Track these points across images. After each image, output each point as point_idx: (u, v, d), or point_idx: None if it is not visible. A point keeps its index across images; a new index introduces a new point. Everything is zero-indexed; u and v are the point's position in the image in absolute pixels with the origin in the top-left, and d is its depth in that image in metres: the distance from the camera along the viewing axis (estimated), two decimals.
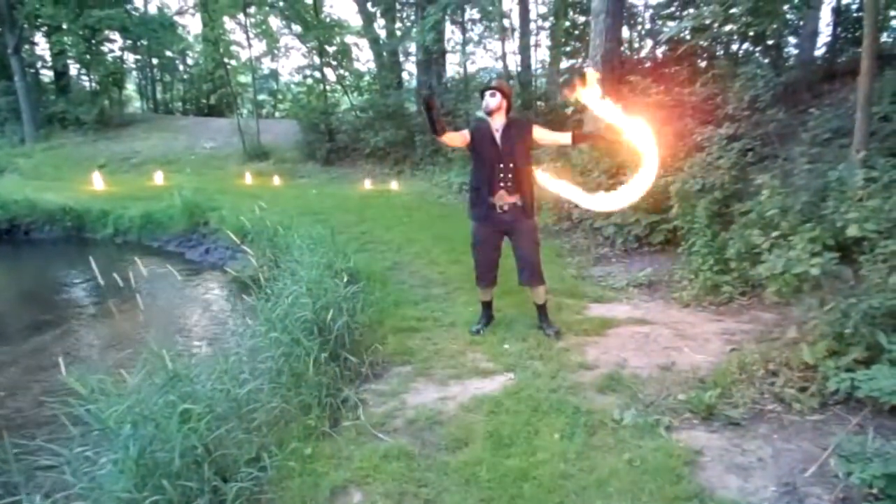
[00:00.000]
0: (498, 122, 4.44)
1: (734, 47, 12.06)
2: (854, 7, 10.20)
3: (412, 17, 19.23)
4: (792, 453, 2.99)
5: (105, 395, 2.83)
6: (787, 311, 4.67)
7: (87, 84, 26.00)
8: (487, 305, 4.97)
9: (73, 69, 25.92)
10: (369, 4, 19.37)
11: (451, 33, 18.92)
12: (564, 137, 4.54)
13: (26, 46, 22.93)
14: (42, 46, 25.00)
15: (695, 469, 2.90)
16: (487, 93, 4.44)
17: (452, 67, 19.65)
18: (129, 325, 5.37)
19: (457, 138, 4.48)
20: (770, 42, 11.28)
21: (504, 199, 4.46)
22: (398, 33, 19.39)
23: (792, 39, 11.55)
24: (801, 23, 10.45)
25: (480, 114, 4.55)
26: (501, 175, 4.43)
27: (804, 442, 3.07)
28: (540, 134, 4.50)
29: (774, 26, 9.06)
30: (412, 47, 18.26)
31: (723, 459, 2.98)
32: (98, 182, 14.64)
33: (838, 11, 10.33)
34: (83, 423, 2.81)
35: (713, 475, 2.86)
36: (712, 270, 5.48)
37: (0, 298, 8.50)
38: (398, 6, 19.73)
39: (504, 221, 4.52)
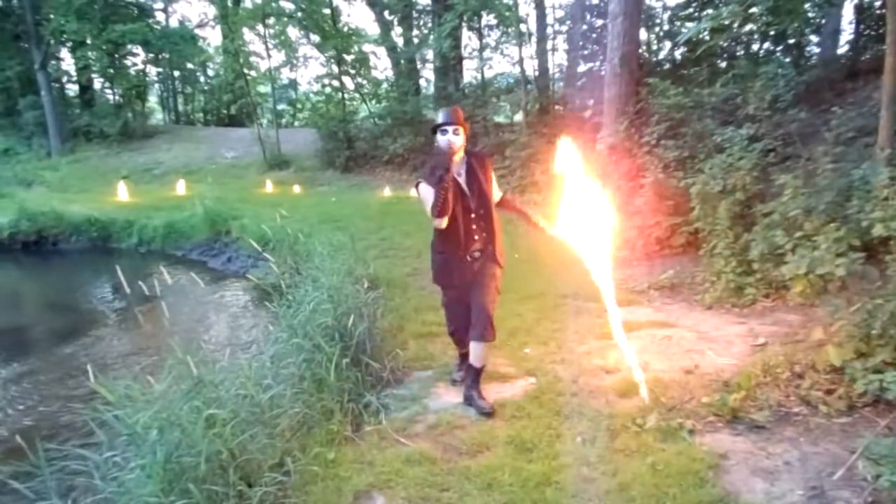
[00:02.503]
0: (459, 161, 3.65)
1: (754, 47, 11.95)
2: (877, 4, 10.05)
3: (429, 25, 19.33)
4: (819, 457, 2.95)
5: (132, 401, 2.88)
6: (812, 312, 4.61)
7: (110, 97, 26.54)
8: (465, 355, 3.98)
9: (98, 83, 26.53)
10: (386, 13, 19.53)
11: (468, 39, 18.96)
12: (497, 194, 3.86)
13: (52, 62, 23.42)
14: (67, 61, 25.64)
15: (719, 473, 2.87)
16: (450, 129, 3.56)
17: (470, 73, 19.71)
18: (155, 332, 5.45)
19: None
20: (791, 41, 11.16)
21: (476, 247, 3.72)
22: (415, 41, 19.52)
23: (814, 38, 11.43)
24: (823, 21, 10.34)
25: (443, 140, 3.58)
26: (474, 226, 3.69)
27: (831, 445, 3.03)
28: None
29: (795, 25, 8.96)
30: (429, 54, 18.36)
31: (748, 463, 2.95)
32: (122, 193, 14.90)
33: (861, 8, 10.20)
34: (111, 429, 2.86)
35: (738, 479, 2.83)
36: (735, 272, 5.42)
37: (29, 308, 8.70)
38: (415, 14, 19.85)
39: (473, 270, 3.73)
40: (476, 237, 3.69)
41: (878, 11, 9.96)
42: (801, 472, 2.84)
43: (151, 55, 25.81)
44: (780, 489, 2.74)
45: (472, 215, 3.67)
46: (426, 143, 16.25)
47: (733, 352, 4.31)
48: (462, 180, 3.66)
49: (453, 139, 3.56)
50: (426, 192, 3.58)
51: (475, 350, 3.72)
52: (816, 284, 4.38)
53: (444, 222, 3.55)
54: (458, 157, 3.62)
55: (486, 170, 3.75)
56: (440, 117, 3.63)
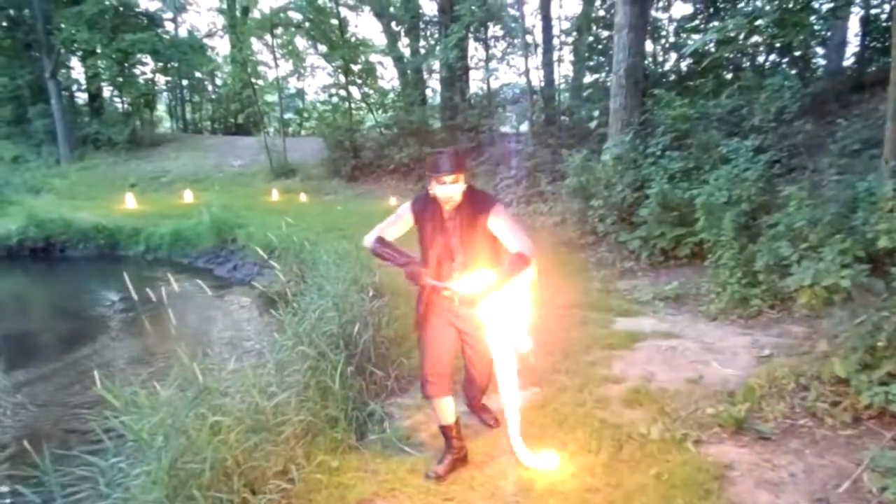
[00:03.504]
0: (451, 203, 2.95)
1: (760, 59, 11.99)
2: (883, 17, 10.07)
3: (436, 35, 19.44)
4: (825, 469, 2.94)
5: (138, 407, 2.89)
6: (818, 323, 4.60)
7: (119, 106, 26.79)
8: (449, 432, 3.20)
9: (107, 91, 26.76)
10: (393, 23, 19.64)
11: (475, 50, 19.05)
12: (513, 246, 2.90)
13: (62, 70, 23.65)
14: (77, 70, 25.88)
15: (724, 484, 2.86)
16: (448, 179, 2.85)
17: (476, 84, 19.79)
18: (161, 339, 5.47)
19: (397, 229, 3.10)
20: (797, 53, 11.20)
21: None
22: (422, 51, 19.62)
23: (819, 50, 11.48)
24: (829, 33, 10.36)
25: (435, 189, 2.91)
26: (455, 275, 3.00)
27: (837, 457, 3.02)
28: (496, 224, 2.93)
29: (801, 37, 8.99)
30: (436, 64, 18.43)
31: (753, 474, 2.94)
32: (130, 201, 15.00)
33: (867, 21, 10.23)
34: (117, 435, 2.87)
35: (743, 490, 2.82)
36: (740, 283, 5.42)
37: (37, 314, 8.75)
38: (422, 24, 19.96)
39: (458, 315, 3.08)
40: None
41: (883, 24, 9.99)
42: (807, 485, 2.83)
43: (160, 64, 26.03)
44: (786, 501, 2.73)
45: (452, 262, 3.00)
46: (432, 152, 16.28)
47: (738, 363, 4.30)
48: (448, 221, 2.98)
49: (451, 191, 2.88)
50: (401, 211, 3.11)
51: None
52: (822, 296, 4.37)
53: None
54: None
55: (481, 216, 2.92)
56: (439, 165, 2.89)
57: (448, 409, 3.15)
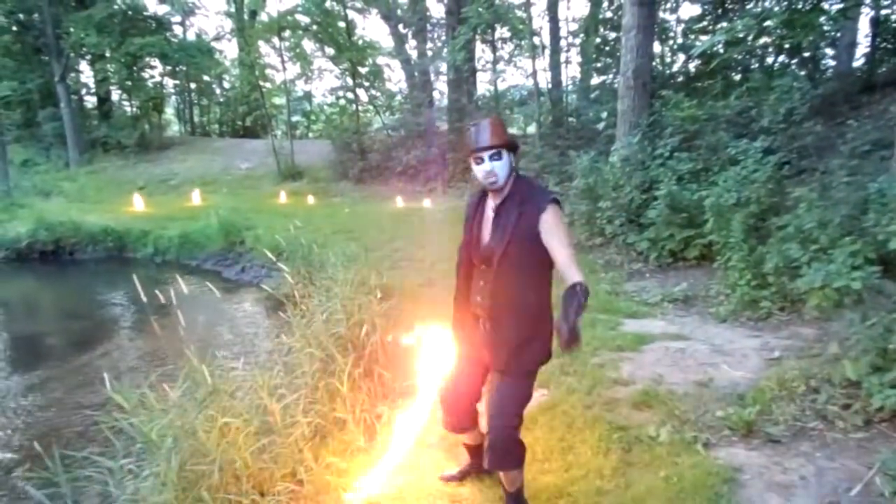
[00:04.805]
0: (498, 195, 2.46)
1: (769, 60, 11.95)
2: (894, 17, 10.02)
3: (443, 38, 19.47)
4: (835, 472, 2.92)
5: (148, 409, 2.90)
6: (828, 326, 4.57)
7: (128, 109, 26.97)
8: (470, 450, 3.05)
9: (116, 95, 26.99)
10: (401, 26, 19.69)
11: (482, 52, 19.08)
12: (559, 256, 2.26)
13: (72, 74, 23.83)
14: (86, 74, 26.12)
15: (734, 487, 2.85)
16: (485, 155, 2.36)
17: (483, 85, 19.81)
18: (170, 341, 5.49)
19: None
20: (806, 54, 11.16)
21: (479, 312, 2.57)
22: (429, 53, 19.65)
23: (829, 51, 11.43)
24: (839, 34, 10.31)
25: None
26: (481, 282, 2.51)
27: (848, 460, 2.99)
28: (547, 227, 2.30)
29: (810, 38, 8.95)
30: (443, 66, 18.46)
31: (763, 477, 2.92)
32: (138, 203, 15.08)
33: (877, 22, 10.16)
34: (127, 437, 2.88)
35: (753, 493, 2.80)
36: (749, 285, 5.39)
37: (47, 316, 8.79)
38: (429, 27, 20.00)
39: (484, 344, 2.57)
40: (479, 298, 2.52)
41: (894, 25, 9.95)
42: (818, 488, 2.81)
43: (169, 67, 26.25)
44: None
45: (483, 266, 2.50)
46: (439, 154, 16.33)
47: (748, 365, 4.27)
48: (490, 218, 2.48)
49: (492, 169, 2.36)
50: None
51: (501, 475, 2.70)
52: (832, 298, 4.34)
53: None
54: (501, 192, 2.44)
55: (532, 215, 2.32)
56: (473, 137, 2.39)
57: (470, 435, 2.94)
